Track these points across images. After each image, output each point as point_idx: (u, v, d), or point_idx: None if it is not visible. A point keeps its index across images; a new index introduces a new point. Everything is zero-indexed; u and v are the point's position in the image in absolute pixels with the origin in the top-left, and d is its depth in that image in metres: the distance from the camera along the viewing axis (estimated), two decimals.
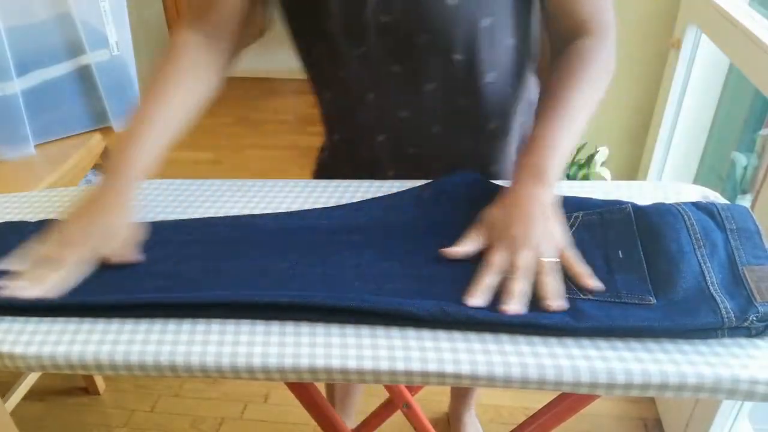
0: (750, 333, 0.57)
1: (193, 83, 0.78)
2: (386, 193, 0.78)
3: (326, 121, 0.92)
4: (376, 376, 0.57)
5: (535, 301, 0.60)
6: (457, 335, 0.59)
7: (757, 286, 0.58)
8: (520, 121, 0.89)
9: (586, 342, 0.57)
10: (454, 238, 0.70)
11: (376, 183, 0.82)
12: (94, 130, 1.43)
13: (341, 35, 0.76)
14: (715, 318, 0.56)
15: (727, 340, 0.57)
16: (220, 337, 0.60)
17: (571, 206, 0.71)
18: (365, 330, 0.60)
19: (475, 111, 0.83)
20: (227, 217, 0.76)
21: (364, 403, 1.54)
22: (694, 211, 0.68)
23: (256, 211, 0.77)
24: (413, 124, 0.84)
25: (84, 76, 1.37)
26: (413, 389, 1.02)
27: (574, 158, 1.81)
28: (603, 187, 0.79)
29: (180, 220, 0.76)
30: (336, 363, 0.57)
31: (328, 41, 0.78)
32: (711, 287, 0.59)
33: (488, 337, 0.58)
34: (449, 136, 0.85)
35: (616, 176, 1.82)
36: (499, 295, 0.61)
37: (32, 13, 1.28)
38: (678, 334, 0.57)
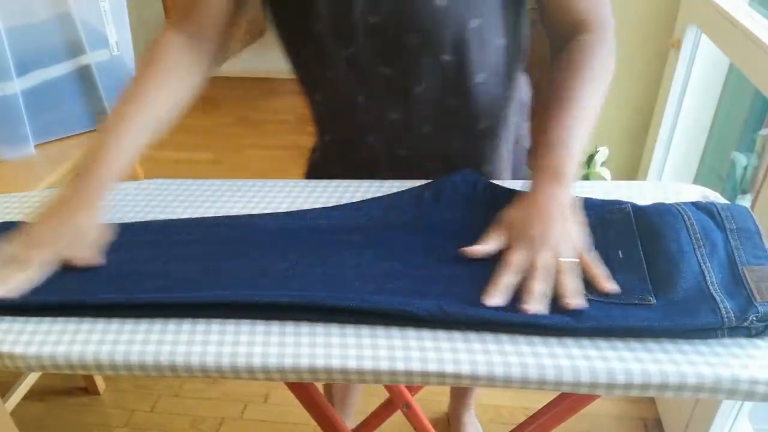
0: (750, 333, 0.57)
1: (174, 84, 0.78)
2: (386, 193, 0.78)
3: (317, 123, 0.92)
4: (376, 376, 0.57)
5: (555, 300, 0.60)
6: (457, 335, 0.59)
7: (757, 286, 0.58)
8: (513, 121, 0.89)
9: (586, 342, 0.57)
10: (454, 238, 0.70)
11: (376, 183, 0.82)
12: (94, 130, 1.44)
13: (329, 36, 0.76)
14: (715, 318, 0.56)
15: (727, 340, 0.57)
16: (220, 337, 0.60)
17: None
18: (365, 330, 0.60)
19: (465, 111, 0.83)
20: (227, 216, 0.76)
21: (364, 403, 1.54)
22: (694, 211, 0.68)
23: (256, 211, 0.77)
24: (404, 126, 0.84)
25: (84, 76, 1.37)
26: (413, 389, 1.02)
27: None
28: (603, 187, 0.79)
29: (180, 219, 0.76)
30: (336, 363, 0.57)
31: (316, 42, 0.77)
32: (711, 287, 0.59)
33: (488, 337, 0.58)
34: (440, 136, 0.85)
35: (616, 176, 1.82)
36: (516, 294, 0.61)
37: (32, 13, 1.28)
38: (678, 334, 0.57)
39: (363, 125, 0.85)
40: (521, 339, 0.58)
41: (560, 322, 0.58)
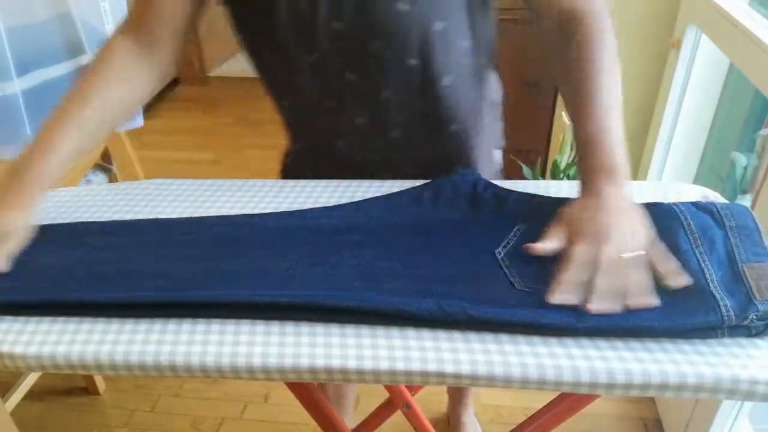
0: (750, 332, 0.57)
1: (120, 88, 0.76)
2: (386, 193, 0.79)
3: (288, 128, 0.91)
4: (376, 376, 0.57)
5: (623, 297, 0.59)
6: (457, 335, 0.59)
7: (757, 284, 0.58)
8: (485, 121, 0.89)
9: (586, 342, 0.57)
10: (454, 238, 0.70)
11: (376, 183, 0.82)
12: None
13: (293, 43, 0.75)
14: (715, 317, 0.56)
15: (727, 340, 0.57)
16: (220, 337, 0.60)
17: None
18: (365, 330, 0.60)
19: (434, 114, 0.82)
20: (227, 216, 0.76)
21: (364, 403, 1.54)
22: (692, 210, 0.68)
23: (256, 211, 0.77)
24: (373, 130, 0.83)
25: None
26: (413, 389, 1.02)
27: (573, 158, 1.81)
28: None
29: (179, 219, 0.76)
30: (336, 363, 0.57)
31: (280, 49, 0.77)
32: (711, 285, 0.59)
33: (488, 337, 0.58)
34: (411, 140, 0.84)
35: None
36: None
37: (32, 13, 1.28)
38: (678, 333, 0.57)
39: (332, 130, 0.85)
40: (521, 339, 0.58)
41: (560, 322, 0.58)
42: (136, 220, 0.77)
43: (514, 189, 0.77)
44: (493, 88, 0.93)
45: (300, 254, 0.69)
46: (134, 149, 1.58)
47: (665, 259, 0.62)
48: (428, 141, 0.85)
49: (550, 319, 0.58)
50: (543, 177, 2.09)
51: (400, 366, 0.56)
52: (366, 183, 0.82)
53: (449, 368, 0.56)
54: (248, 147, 2.89)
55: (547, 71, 0.79)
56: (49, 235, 0.74)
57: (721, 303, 0.57)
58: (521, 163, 1.95)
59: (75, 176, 1.36)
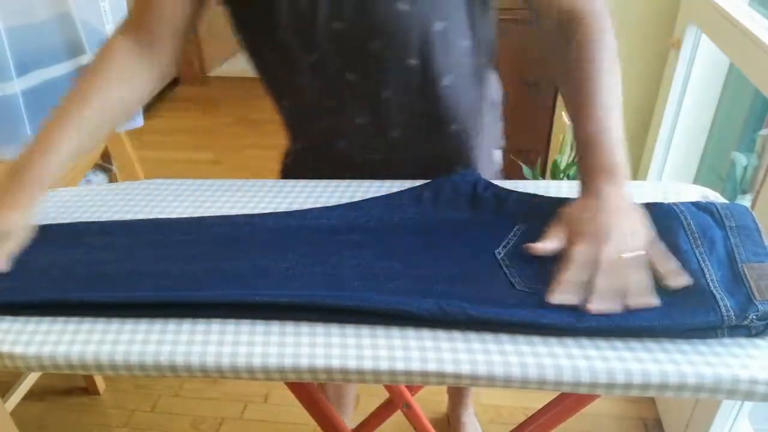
0: (750, 332, 0.57)
1: (120, 88, 0.76)
2: (386, 193, 0.79)
3: (288, 128, 0.91)
4: (376, 376, 0.57)
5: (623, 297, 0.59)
6: (456, 335, 0.59)
7: (757, 284, 0.58)
8: (485, 121, 0.88)
9: (586, 342, 0.57)
10: (454, 238, 0.70)
11: (376, 183, 0.82)
12: None
13: (293, 44, 0.75)
14: (715, 316, 0.56)
15: (727, 340, 0.57)
16: (220, 337, 0.60)
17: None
18: (365, 330, 0.60)
19: (434, 114, 0.82)
20: (227, 216, 0.76)
21: (364, 403, 1.54)
22: (692, 210, 0.68)
23: (256, 211, 0.77)
24: (374, 130, 0.83)
25: None
26: (413, 389, 1.02)
27: (573, 158, 1.81)
28: None
29: (179, 219, 0.76)
30: (336, 363, 0.57)
31: (280, 50, 0.77)
32: (711, 284, 0.59)
33: (488, 337, 0.58)
34: (411, 140, 0.84)
35: None
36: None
37: (32, 13, 1.28)
38: (678, 333, 0.57)
39: (333, 130, 0.85)
40: (521, 339, 0.58)
41: (560, 322, 0.58)
42: (136, 220, 0.77)
43: (514, 189, 0.77)
44: (493, 88, 0.93)
45: (300, 254, 0.69)
46: (134, 149, 1.58)
47: (665, 259, 0.62)
48: (428, 141, 0.85)
49: (550, 319, 0.58)
50: (543, 177, 2.09)
51: (400, 366, 0.56)
52: (366, 183, 0.82)
53: (449, 368, 0.56)
54: (248, 147, 2.89)
55: (547, 71, 0.79)
56: (49, 235, 0.74)
57: (721, 303, 0.57)
58: (521, 163, 1.95)
59: (75, 176, 1.36)
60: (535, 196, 0.76)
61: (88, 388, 1.66)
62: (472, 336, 0.58)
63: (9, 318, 0.62)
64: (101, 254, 0.71)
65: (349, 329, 0.60)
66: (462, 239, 0.70)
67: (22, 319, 0.62)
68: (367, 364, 0.57)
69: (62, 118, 0.73)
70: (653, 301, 0.58)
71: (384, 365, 0.56)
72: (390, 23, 0.73)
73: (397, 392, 0.92)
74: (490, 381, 0.56)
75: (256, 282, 0.65)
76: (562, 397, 0.78)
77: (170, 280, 0.66)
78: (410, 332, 0.59)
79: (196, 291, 0.64)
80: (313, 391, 0.84)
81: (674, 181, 1.66)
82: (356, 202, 0.78)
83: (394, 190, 0.79)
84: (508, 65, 2.04)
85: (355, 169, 0.86)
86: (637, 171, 1.86)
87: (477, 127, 0.87)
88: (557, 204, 0.73)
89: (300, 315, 0.61)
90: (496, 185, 0.77)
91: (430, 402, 1.57)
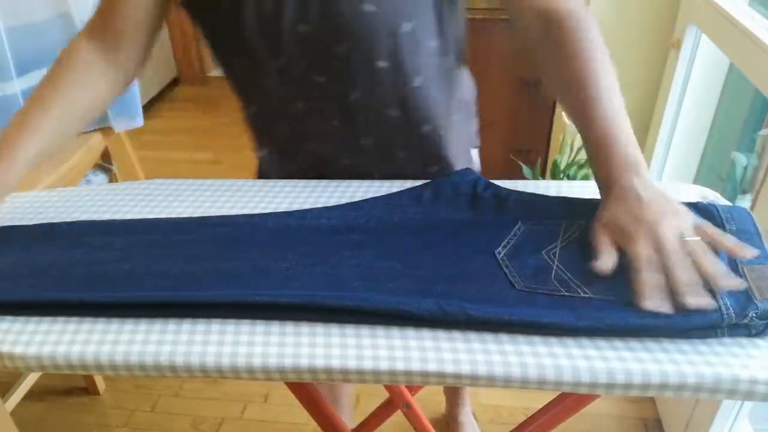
0: (750, 332, 0.57)
1: (80, 95, 0.76)
2: (385, 193, 0.79)
3: (255, 135, 0.90)
4: (376, 376, 0.57)
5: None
6: (456, 335, 0.59)
7: (757, 285, 0.58)
8: (455, 119, 0.88)
9: (586, 342, 0.57)
10: (454, 238, 0.70)
11: (376, 183, 0.82)
12: (94, 130, 1.44)
13: (259, 47, 0.75)
14: (715, 314, 0.56)
15: (727, 340, 0.57)
16: (220, 337, 0.60)
17: (567, 210, 0.72)
18: (365, 330, 0.60)
19: (405, 115, 0.82)
20: (227, 216, 0.76)
21: (364, 403, 1.54)
22: (693, 211, 0.67)
23: (256, 211, 0.77)
24: (344, 134, 0.83)
25: None
26: (413, 389, 1.02)
27: (573, 158, 1.81)
28: None
29: (179, 219, 0.76)
30: (336, 363, 0.57)
31: (247, 54, 0.76)
32: (711, 284, 0.59)
33: (488, 337, 0.58)
34: (382, 142, 0.84)
35: None
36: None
37: (32, 13, 1.28)
38: (678, 332, 0.57)
39: (304, 133, 0.84)
40: (521, 339, 0.58)
41: (560, 322, 0.58)
42: (135, 220, 0.77)
43: (514, 189, 0.77)
44: (464, 86, 0.91)
45: (300, 254, 0.69)
46: (134, 149, 1.58)
47: (721, 234, 0.60)
48: (401, 143, 0.84)
49: (550, 319, 0.58)
50: (543, 177, 2.09)
51: (400, 366, 0.56)
52: (366, 183, 0.82)
53: (449, 368, 0.56)
54: (248, 147, 2.86)
55: (535, 73, 0.78)
56: (48, 235, 0.74)
57: (720, 302, 0.57)
58: (521, 163, 1.95)
59: (75, 176, 1.36)
60: (535, 196, 0.76)
61: (88, 388, 1.66)
62: (472, 336, 0.58)
63: (9, 318, 0.62)
64: (101, 254, 0.71)
65: (349, 329, 0.60)
66: (462, 239, 0.70)
67: (22, 319, 0.62)
68: (367, 364, 0.57)
69: (22, 125, 0.72)
70: (739, 283, 0.57)
71: (384, 365, 0.56)
72: (356, 25, 0.72)
73: (397, 392, 0.92)
74: (490, 381, 0.56)
75: (256, 282, 0.65)
76: (562, 397, 0.78)
77: (170, 280, 0.66)
78: (410, 332, 0.59)
79: (196, 291, 0.64)
80: (313, 391, 0.84)
81: (674, 181, 1.66)
82: (356, 202, 0.78)
83: (394, 190, 0.79)
84: (507, 65, 2.05)
85: (327, 171, 0.86)
86: None
87: (448, 127, 0.86)
88: (557, 204, 0.73)
89: (300, 315, 0.61)
90: (496, 185, 0.77)
91: (430, 402, 1.57)
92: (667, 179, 1.71)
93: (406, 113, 0.81)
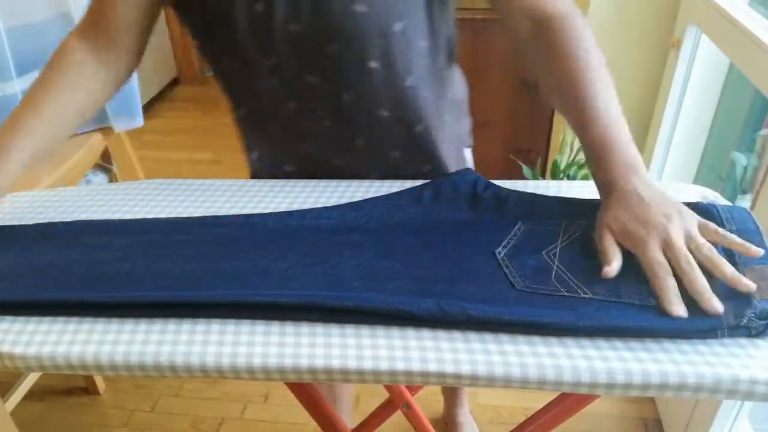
0: (750, 332, 0.57)
1: (72, 96, 0.76)
2: (385, 193, 0.79)
3: (246, 136, 0.90)
4: (376, 376, 0.57)
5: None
6: (457, 335, 0.59)
7: (758, 285, 0.58)
8: (446, 119, 0.88)
9: (586, 342, 0.57)
10: (454, 238, 0.70)
11: (376, 183, 0.82)
12: (94, 130, 1.44)
13: (250, 47, 0.74)
14: (714, 317, 0.56)
15: (727, 340, 0.57)
16: (220, 337, 0.60)
17: (567, 210, 0.72)
18: (365, 330, 0.60)
19: (398, 116, 0.82)
20: (227, 216, 0.76)
21: (364, 403, 1.54)
22: (694, 211, 0.68)
23: (256, 211, 0.77)
24: (336, 134, 0.83)
25: None
26: (413, 389, 1.02)
27: (573, 158, 1.81)
28: None
29: (179, 219, 0.76)
30: (336, 363, 0.57)
31: (238, 54, 0.76)
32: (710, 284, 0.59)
33: (488, 337, 0.58)
34: (375, 143, 0.84)
35: None
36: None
37: (32, 13, 1.28)
38: (678, 333, 0.57)
39: (296, 133, 0.84)
40: (521, 339, 0.58)
41: (560, 322, 0.58)
42: (136, 220, 0.77)
43: (514, 189, 0.77)
44: (456, 85, 0.91)
45: (300, 254, 0.69)
46: (134, 149, 1.58)
47: (728, 235, 0.60)
48: (393, 142, 0.84)
49: (550, 319, 0.58)
50: (543, 177, 2.09)
51: (400, 366, 0.56)
52: (366, 183, 0.82)
53: (449, 368, 0.56)
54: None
55: (529, 74, 0.77)
56: (48, 235, 0.74)
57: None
58: (521, 163, 1.95)
59: (75, 176, 1.36)
60: (535, 196, 0.76)
61: (88, 388, 1.66)
62: (472, 336, 0.58)
63: (9, 318, 0.62)
64: (101, 254, 0.71)
65: (349, 329, 0.60)
66: (462, 239, 0.70)
67: (22, 319, 0.62)
68: (367, 365, 0.57)
69: (14, 128, 0.72)
70: (751, 284, 0.57)
71: (384, 365, 0.56)
72: (347, 25, 0.72)
73: (397, 392, 0.92)
74: (490, 381, 0.56)
75: (256, 282, 0.65)
76: (562, 397, 0.78)
77: (170, 280, 0.66)
78: (410, 332, 0.59)
79: (196, 291, 0.64)
80: (313, 391, 0.84)
81: (674, 181, 1.66)
82: (356, 202, 0.78)
83: (394, 190, 0.79)
84: (507, 65, 2.04)
85: (319, 172, 0.86)
86: None
87: (440, 125, 0.86)
88: (557, 204, 0.73)
89: (300, 315, 0.61)
90: (496, 185, 0.77)
91: (430, 402, 1.57)
92: (667, 179, 1.71)
93: (398, 113, 0.81)
